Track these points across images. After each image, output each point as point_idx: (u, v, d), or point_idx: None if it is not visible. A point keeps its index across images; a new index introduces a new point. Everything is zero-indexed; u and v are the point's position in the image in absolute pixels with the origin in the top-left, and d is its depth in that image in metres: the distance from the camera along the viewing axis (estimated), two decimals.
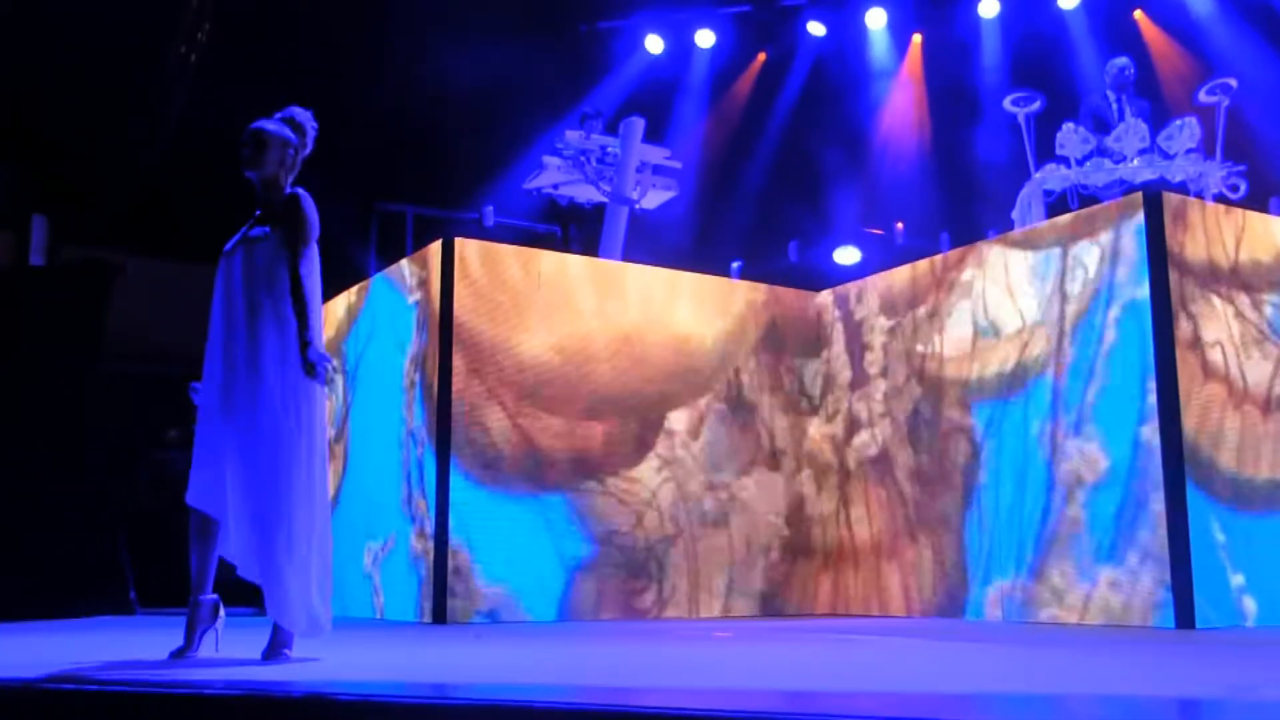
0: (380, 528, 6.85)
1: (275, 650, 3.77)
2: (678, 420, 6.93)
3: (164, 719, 2.84)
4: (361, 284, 7.51)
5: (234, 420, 3.77)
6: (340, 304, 7.64)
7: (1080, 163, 7.73)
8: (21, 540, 7.16)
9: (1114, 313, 5.67)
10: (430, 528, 6.22)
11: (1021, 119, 8.19)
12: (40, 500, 7.29)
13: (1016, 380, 6.11)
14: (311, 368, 3.79)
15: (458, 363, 6.29)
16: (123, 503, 7.68)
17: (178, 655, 3.75)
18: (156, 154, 10.32)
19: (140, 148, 10.25)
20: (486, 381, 6.37)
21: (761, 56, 12.33)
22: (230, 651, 3.85)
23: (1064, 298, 5.92)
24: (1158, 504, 5.33)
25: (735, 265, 10.45)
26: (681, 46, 12.16)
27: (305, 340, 3.78)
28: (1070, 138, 7.78)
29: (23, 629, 5.74)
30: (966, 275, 6.49)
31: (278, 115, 4.06)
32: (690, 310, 7.10)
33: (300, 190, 3.97)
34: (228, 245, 4.00)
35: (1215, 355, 5.57)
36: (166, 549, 7.28)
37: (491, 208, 10.22)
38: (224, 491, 3.75)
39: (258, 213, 4.03)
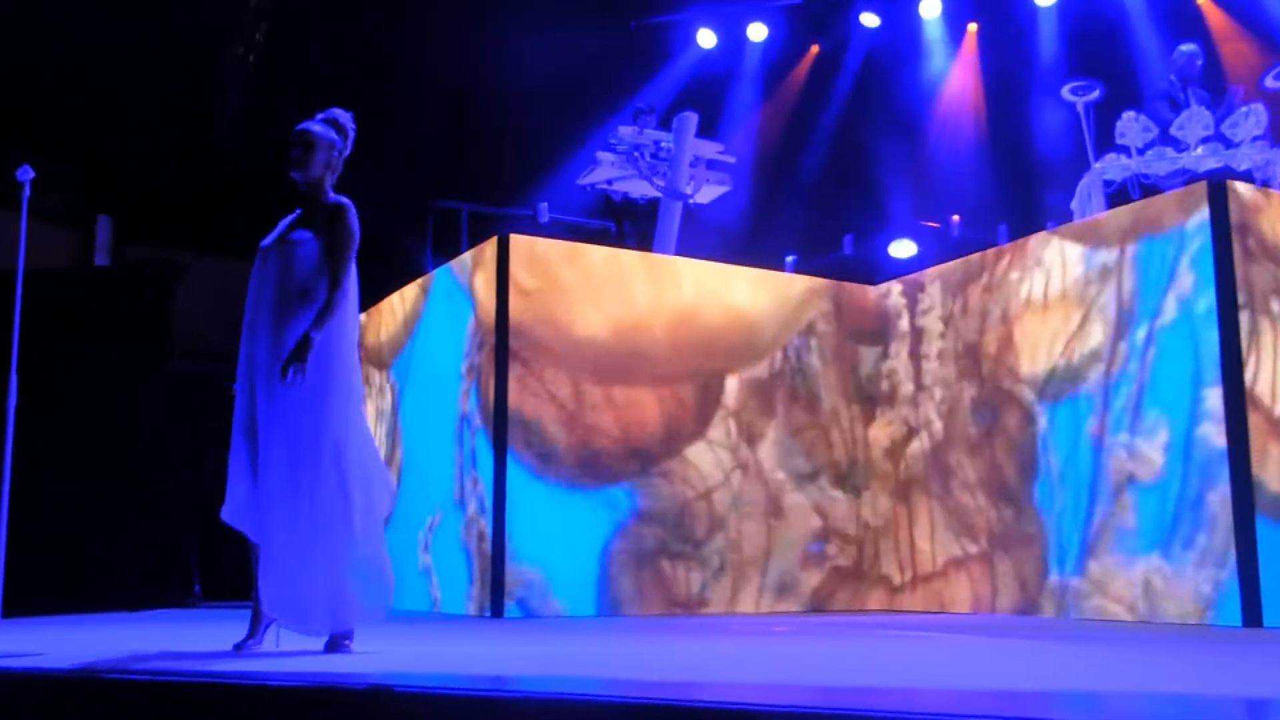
0: (434, 517, 6.91)
1: (337, 643, 3.82)
2: (734, 410, 6.91)
3: (228, 710, 2.89)
4: (424, 278, 7.56)
5: (259, 428, 3.84)
6: (401, 299, 7.72)
7: (1141, 152, 7.59)
8: (90, 535, 7.31)
9: (1178, 304, 5.57)
10: (486, 520, 6.26)
11: (1080, 108, 8.06)
12: (108, 496, 7.43)
13: (1075, 376, 6.03)
14: (298, 357, 3.73)
15: (514, 365, 6.33)
16: (187, 498, 7.81)
17: (241, 647, 3.83)
18: (219, 154, 10.48)
19: (202, 148, 10.42)
20: (539, 378, 6.40)
21: (814, 49, 12.25)
22: (293, 644, 3.91)
23: (1124, 290, 5.83)
24: (1221, 501, 5.23)
25: (790, 259, 10.41)
26: (734, 40, 12.12)
27: (309, 338, 3.76)
28: (1131, 126, 7.64)
29: (92, 620, 5.87)
30: (1024, 268, 6.41)
31: (320, 116, 4.11)
32: (748, 300, 7.08)
33: (346, 200, 4.02)
34: (265, 241, 4.04)
35: None
36: (229, 543, 7.41)
37: (546, 204, 10.26)
38: (253, 508, 3.83)
39: (298, 212, 4.08)
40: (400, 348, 7.66)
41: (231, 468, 3.91)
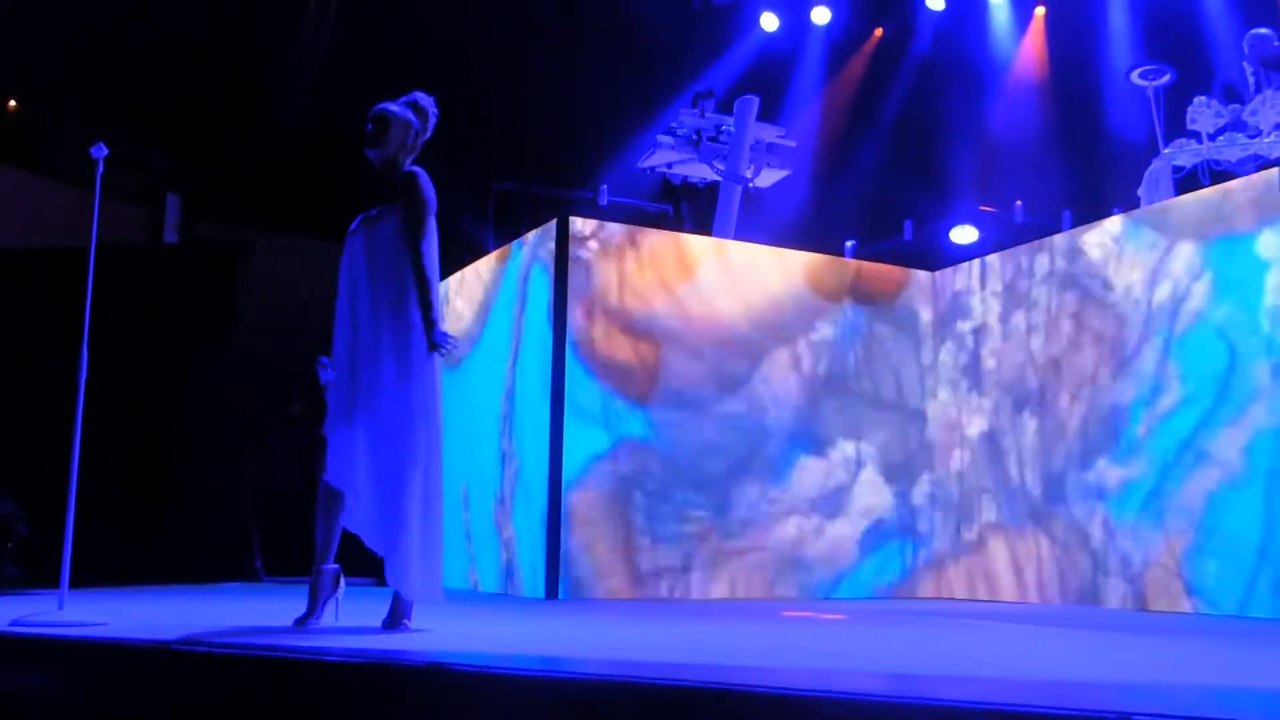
0: (485, 497, 6.97)
1: (395, 620, 3.88)
2: (787, 389, 6.90)
3: (287, 683, 2.95)
4: (489, 256, 7.58)
5: (361, 404, 3.89)
6: (460, 278, 7.77)
7: (1213, 137, 7.43)
8: (157, 511, 7.47)
9: (1244, 292, 5.46)
10: (540, 502, 6.31)
11: (1150, 93, 7.90)
12: (174, 471, 7.58)
13: (1140, 364, 5.93)
14: (436, 345, 3.89)
15: (571, 340, 6.36)
16: (252, 475, 7.95)
17: (300, 622, 3.90)
18: (288, 132, 10.60)
19: (272, 126, 10.54)
20: (597, 358, 6.42)
21: (878, 32, 12.11)
22: (351, 620, 3.97)
23: (1192, 276, 5.72)
24: None
25: (849, 244, 10.33)
26: (797, 23, 12.01)
27: (430, 320, 3.89)
28: (1202, 112, 7.48)
29: (156, 593, 6.00)
30: (1089, 254, 6.32)
31: (402, 99, 4.17)
32: (801, 282, 7.05)
33: (417, 168, 4.06)
34: (352, 225, 4.11)
35: None
36: (291, 520, 7.53)
37: (606, 187, 10.27)
38: (355, 471, 3.88)
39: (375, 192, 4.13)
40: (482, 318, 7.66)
41: (332, 436, 3.95)
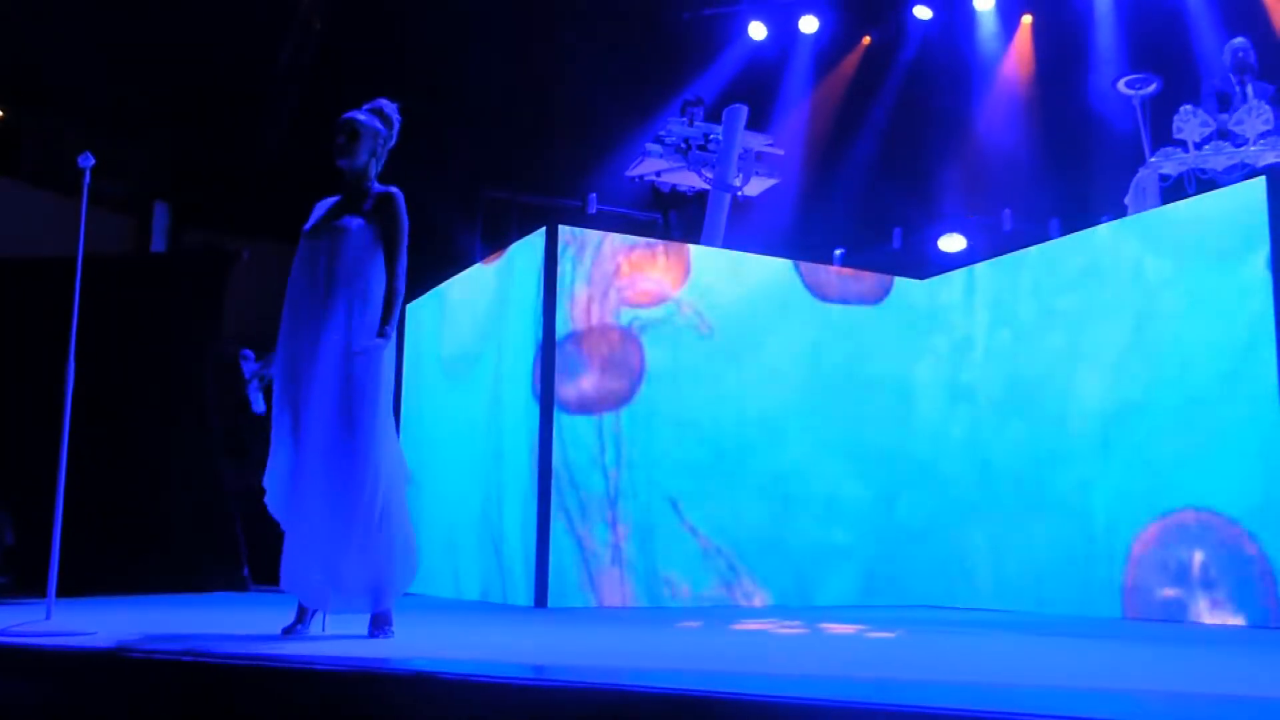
0: (473, 502, 6.97)
1: (379, 627, 3.88)
2: (775, 394, 6.91)
3: (276, 692, 2.95)
4: (478, 264, 7.56)
5: (301, 409, 3.90)
6: (449, 286, 7.77)
7: (1199, 146, 7.48)
8: (140, 518, 7.43)
9: (1232, 298, 5.49)
10: (528, 507, 6.30)
11: (1136, 102, 7.95)
12: (158, 479, 7.55)
13: (1121, 374, 5.96)
14: (368, 351, 3.90)
15: (559, 355, 6.36)
16: (236, 482, 7.92)
17: (288, 631, 3.90)
18: (275, 142, 10.61)
19: (260, 136, 10.55)
20: (586, 365, 6.43)
21: (866, 40, 12.16)
22: (336, 629, 3.97)
23: (1179, 284, 5.75)
24: None
25: (838, 252, 10.36)
26: (785, 32, 12.06)
27: (384, 333, 3.92)
28: (1188, 121, 7.53)
29: (143, 602, 5.98)
30: (1077, 262, 6.34)
31: (366, 107, 4.17)
32: (789, 289, 7.07)
33: (395, 189, 4.10)
34: (308, 226, 4.11)
35: None
36: (276, 528, 7.52)
37: (594, 195, 10.29)
38: (286, 494, 3.92)
39: (338, 198, 4.14)
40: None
41: (273, 450, 3.97)
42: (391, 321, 3.94)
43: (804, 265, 7.16)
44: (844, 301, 7.23)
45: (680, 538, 6.54)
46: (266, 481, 3.95)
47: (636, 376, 6.57)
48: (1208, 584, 5.41)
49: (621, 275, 6.60)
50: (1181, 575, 5.54)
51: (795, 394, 6.98)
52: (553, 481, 6.25)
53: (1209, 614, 5.39)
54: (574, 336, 6.44)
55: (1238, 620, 5.26)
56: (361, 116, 4.11)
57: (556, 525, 6.22)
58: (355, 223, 4.01)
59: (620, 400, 6.52)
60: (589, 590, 6.26)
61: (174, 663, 3.13)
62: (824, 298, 7.16)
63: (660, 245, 6.85)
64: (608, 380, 6.48)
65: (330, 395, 3.86)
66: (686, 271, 6.79)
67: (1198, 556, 5.46)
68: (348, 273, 3.95)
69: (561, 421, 6.33)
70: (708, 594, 6.57)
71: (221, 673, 3.06)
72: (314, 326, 3.93)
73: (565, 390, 6.36)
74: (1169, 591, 5.57)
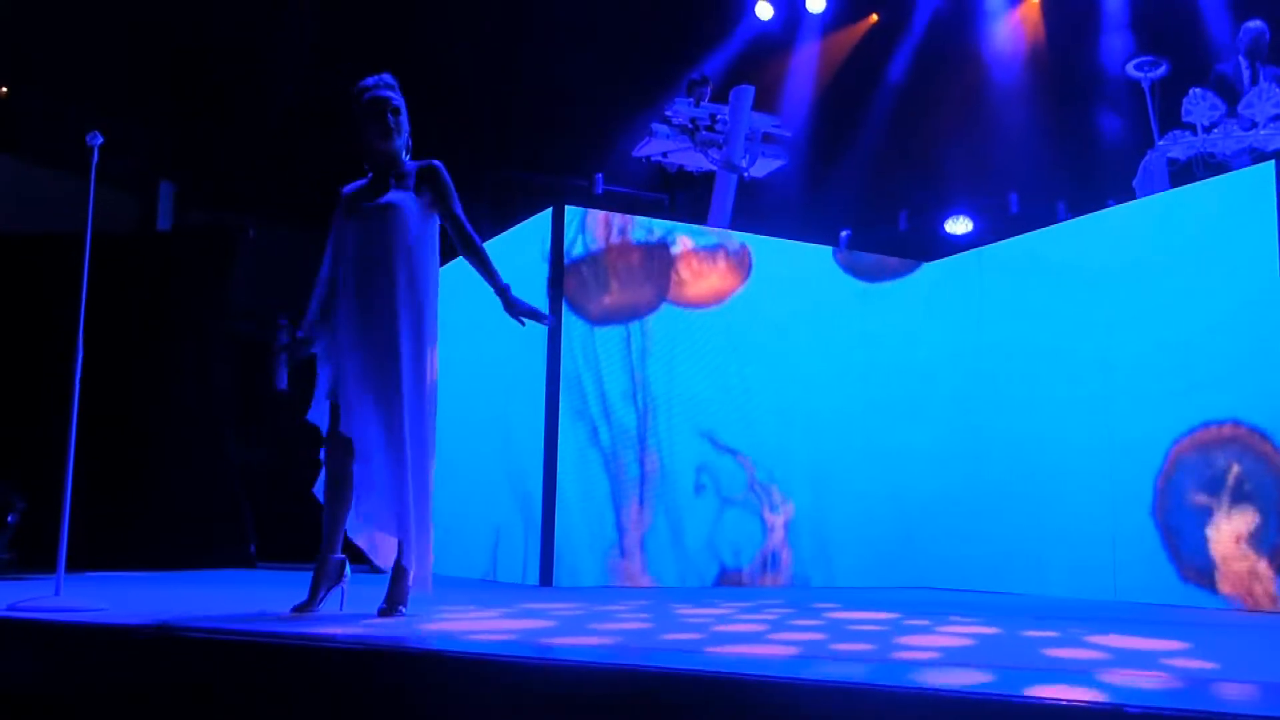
0: (482, 482, 6.98)
1: (392, 607, 3.88)
2: (782, 378, 6.92)
3: (286, 669, 2.96)
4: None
5: (345, 383, 3.90)
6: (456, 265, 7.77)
7: (1207, 129, 7.45)
8: (147, 495, 7.46)
9: (1239, 283, 5.47)
10: (534, 487, 6.32)
11: (1145, 84, 7.91)
12: (165, 456, 7.57)
13: (1130, 350, 5.96)
14: (514, 308, 4.05)
15: (566, 331, 6.37)
16: (244, 459, 7.95)
17: (300, 610, 3.89)
18: (280, 121, 10.58)
19: (264, 115, 10.51)
20: (592, 344, 6.43)
21: (873, 18, 12.11)
22: (347, 606, 3.97)
23: (1187, 268, 5.74)
24: None
25: (844, 234, 10.34)
26: (792, 11, 12.00)
27: (502, 287, 4.04)
28: (1197, 104, 7.49)
29: (152, 578, 6.01)
30: (1082, 244, 6.33)
31: (386, 81, 4.13)
32: (797, 271, 7.07)
33: (435, 160, 4.14)
34: (345, 208, 4.09)
35: None
36: (282, 505, 7.55)
37: (600, 175, 10.26)
38: (369, 435, 3.88)
39: (369, 177, 4.12)
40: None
41: (344, 413, 3.95)
42: (499, 276, 4.05)
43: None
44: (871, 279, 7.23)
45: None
46: (344, 425, 3.91)
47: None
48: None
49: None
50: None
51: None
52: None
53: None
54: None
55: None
56: (396, 95, 4.11)
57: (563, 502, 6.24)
58: (406, 198, 4.04)
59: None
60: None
61: (184, 639, 3.15)
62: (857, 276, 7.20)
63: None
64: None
65: (399, 364, 3.87)
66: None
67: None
68: (405, 248, 3.98)
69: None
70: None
71: (232, 649, 3.07)
72: (364, 300, 3.93)
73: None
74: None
